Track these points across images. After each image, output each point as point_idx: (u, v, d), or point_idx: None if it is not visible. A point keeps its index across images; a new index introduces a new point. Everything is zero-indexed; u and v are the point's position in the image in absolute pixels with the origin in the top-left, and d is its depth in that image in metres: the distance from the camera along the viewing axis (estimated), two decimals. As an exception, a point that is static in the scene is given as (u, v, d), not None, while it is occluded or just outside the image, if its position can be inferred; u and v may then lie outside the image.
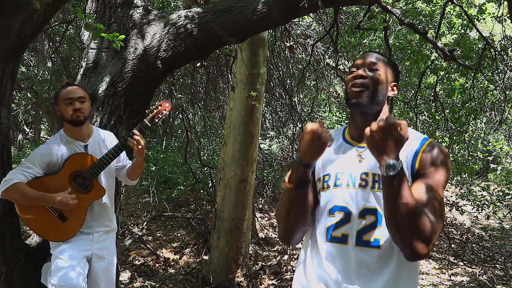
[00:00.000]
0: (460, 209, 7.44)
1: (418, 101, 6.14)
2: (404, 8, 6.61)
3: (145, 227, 6.28)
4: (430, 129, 7.29)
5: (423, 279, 5.44)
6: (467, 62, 5.53)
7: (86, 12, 3.33)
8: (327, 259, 1.49)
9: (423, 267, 5.88)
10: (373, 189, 1.46)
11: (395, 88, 1.60)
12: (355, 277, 1.44)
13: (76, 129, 2.64)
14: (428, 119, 7.09)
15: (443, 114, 5.78)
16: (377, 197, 1.45)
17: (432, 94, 5.73)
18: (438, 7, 6.22)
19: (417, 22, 6.36)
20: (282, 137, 9.07)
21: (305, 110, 8.60)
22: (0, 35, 2.41)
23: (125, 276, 5.03)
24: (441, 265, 5.97)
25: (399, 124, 1.32)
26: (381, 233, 1.43)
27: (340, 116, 11.71)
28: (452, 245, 5.87)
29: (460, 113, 6.67)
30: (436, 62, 6.02)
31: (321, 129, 1.45)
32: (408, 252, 1.34)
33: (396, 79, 1.62)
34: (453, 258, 6.27)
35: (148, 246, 5.78)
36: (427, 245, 1.31)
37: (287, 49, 6.36)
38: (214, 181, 6.14)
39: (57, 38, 9.52)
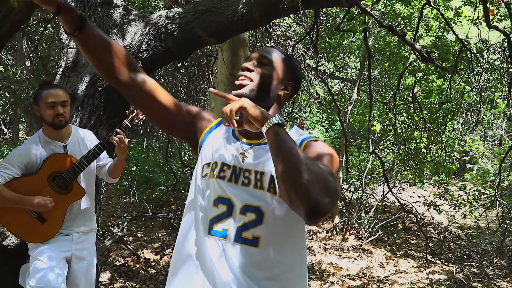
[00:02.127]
0: (437, 208, 7.58)
1: (397, 102, 6.23)
2: (383, 10, 6.70)
3: (126, 227, 6.23)
4: (409, 129, 7.40)
5: (401, 277, 5.53)
6: (444, 64, 5.64)
7: (66, 11, 3.30)
8: (209, 253, 1.41)
9: (401, 266, 5.98)
10: (256, 187, 1.41)
11: (289, 87, 1.53)
12: (237, 275, 1.37)
13: (56, 130, 2.62)
14: (406, 119, 7.19)
15: (421, 115, 5.89)
16: (259, 195, 1.40)
17: (411, 95, 5.82)
18: (416, 9, 6.33)
19: (396, 24, 6.46)
20: (263, 137, 9.08)
21: (285, 110, 8.66)
22: (-23, 34, 2.38)
23: (105, 276, 4.99)
24: (419, 264, 6.07)
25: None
26: (261, 232, 1.38)
27: (321, 116, 11.81)
28: (430, 244, 5.97)
29: (438, 114, 6.80)
30: (414, 63, 6.13)
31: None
32: (309, 206, 1.20)
33: (293, 79, 1.54)
34: (430, 256, 6.39)
35: (129, 246, 5.74)
36: (325, 197, 1.20)
37: (268, 50, 6.40)
38: (195, 181, 6.12)
39: (35, 37, 9.38)
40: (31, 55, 9.84)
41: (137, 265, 5.45)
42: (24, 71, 10.82)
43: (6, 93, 10.03)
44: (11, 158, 2.56)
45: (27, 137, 14.45)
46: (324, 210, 1.20)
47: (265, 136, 1.31)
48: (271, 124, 1.29)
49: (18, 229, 2.60)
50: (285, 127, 1.31)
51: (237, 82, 1.49)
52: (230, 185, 1.43)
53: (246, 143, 1.51)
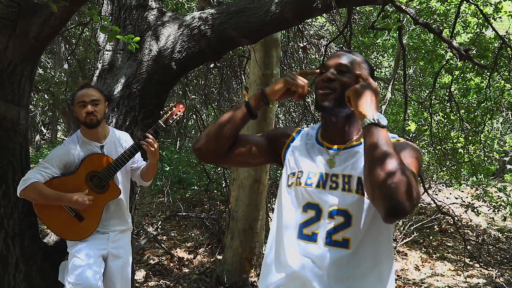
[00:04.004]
0: (475, 210, 7.36)
1: (432, 101, 6.08)
2: (418, 7, 6.56)
3: (160, 226, 6.33)
4: (445, 129, 7.21)
5: (438, 280, 5.40)
6: (482, 61, 5.46)
7: (102, 14, 3.38)
8: (300, 256, 1.46)
9: (438, 269, 5.84)
10: (344, 190, 1.45)
11: None
12: (327, 277, 1.41)
13: (91, 130, 2.68)
14: (442, 119, 7.01)
15: (458, 114, 5.72)
16: (346, 198, 1.44)
17: (447, 94, 5.67)
18: (453, 6, 6.17)
19: (432, 21, 6.31)
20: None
21: (318, 110, 8.58)
22: (19, 38, 2.46)
23: (140, 275, 5.08)
24: (456, 267, 5.91)
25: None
26: (350, 234, 1.42)
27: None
28: (468, 247, 5.80)
29: (476, 113, 6.59)
30: (451, 61, 5.96)
31: (306, 91, 1.56)
32: (390, 206, 1.23)
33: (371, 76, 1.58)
34: (468, 259, 6.21)
35: (163, 245, 5.82)
36: (407, 199, 1.22)
37: (300, 49, 6.37)
38: (228, 181, 6.16)
39: (73, 40, 9.65)
40: (68, 58, 10.13)
41: (171, 264, 5.52)
42: (62, 74, 11.14)
43: (45, 95, 10.34)
44: (50, 158, 2.63)
45: (65, 138, 14.88)
46: (404, 212, 1.23)
47: (362, 129, 1.37)
48: (372, 121, 1.34)
49: (57, 226, 2.67)
50: (386, 126, 1.35)
51: (321, 92, 1.52)
52: (318, 191, 1.48)
53: (332, 148, 1.55)
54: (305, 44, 5.84)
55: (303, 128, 1.71)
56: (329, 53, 6.66)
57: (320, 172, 1.51)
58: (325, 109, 1.51)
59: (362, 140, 1.49)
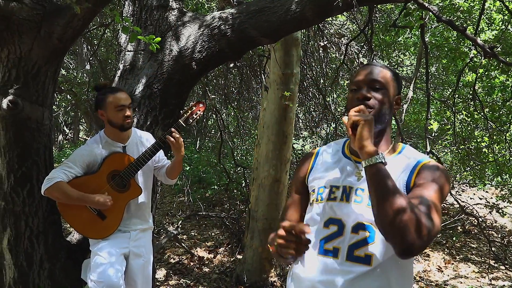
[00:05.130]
0: (500, 211, 7.20)
1: (456, 100, 5.98)
2: (441, 4, 6.45)
3: (180, 226, 6.37)
4: (469, 128, 7.08)
5: (461, 282, 5.30)
6: (508, 58, 5.35)
7: (123, 15, 3.41)
8: (319, 271, 1.44)
9: (461, 271, 5.73)
10: (369, 206, 1.41)
11: (399, 101, 1.56)
12: None
13: (120, 132, 2.71)
14: (466, 118, 6.88)
15: (482, 113, 5.60)
16: (372, 213, 1.37)
17: (471, 92, 5.57)
18: (477, 2, 6.05)
19: (455, 18, 6.20)
20: (315, 137, 9.02)
21: (338, 110, 8.53)
22: (43, 40, 2.50)
23: (160, 274, 5.12)
24: (480, 269, 5.80)
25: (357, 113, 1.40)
26: (373, 250, 1.39)
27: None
28: (493, 248, 5.68)
29: (501, 112, 6.45)
30: (475, 59, 5.85)
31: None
32: (401, 248, 1.25)
33: (399, 91, 1.57)
34: (493, 261, 6.08)
35: (183, 244, 5.86)
36: (418, 238, 1.22)
37: (320, 48, 6.32)
38: (248, 181, 6.16)
39: (95, 41, 9.79)
40: (90, 58, 10.28)
41: (191, 263, 5.55)
42: (84, 74, 11.31)
43: (68, 96, 10.51)
44: (74, 157, 2.67)
45: (86, 138, 15.11)
46: (416, 251, 1.24)
47: (363, 169, 1.35)
48: (372, 162, 1.32)
49: (80, 225, 2.71)
50: (385, 165, 1.33)
51: (356, 109, 1.45)
52: (342, 204, 1.47)
53: (359, 162, 1.52)
54: (325, 43, 5.80)
55: (321, 146, 1.71)
56: (350, 52, 6.60)
57: (343, 186, 1.49)
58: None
59: (392, 154, 1.52)
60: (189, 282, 4.95)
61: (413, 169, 1.46)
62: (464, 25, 4.93)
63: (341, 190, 1.49)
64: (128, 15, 3.38)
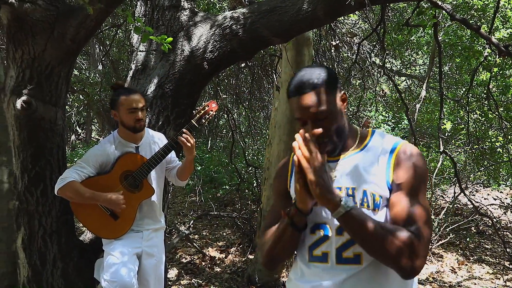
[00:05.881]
0: (515, 211, 7.11)
1: (469, 99, 5.91)
2: (454, 2, 6.39)
3: (192, 225, 6.38)
4: (483, 128, 7.00)
5: (475, 284, 5.24)
6: (523, 57, 5.27)
7: (136, 15, 3.42)
8: (310, 279, 1.43)
9: (475, 272, 5.67)
10: None
11: (344, 97, 1.46)
12: None
13: (133, 133, 2.72)
14: (480, 117, 6.81)
15: (496, 112, 5.54)
16: None
17: (485, 91, 5.50)
18: (491, 0, 5.98)
19: (469, 17, 6.13)
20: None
21: (350, 109, 8.48)
22: (56, 40, 2.52)
23: (172, 273, 5.13)
24: (495, 270, 5.72)
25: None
26: (361, 249, 1.36)
27: (386, 115, 11.48)
28: (507, 249, 5.60)
29: (516, 111, 6.37)
30: (489, 58, 5.78)
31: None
32: (401, 274, 1.29)
33: (338, 88, 1.45)
34: (508, 262, 6.00)
35: (195, 244, 5.87)
36: (414, 260, 1.26)
37: (332, 48, 6.30)
38: (259, 181, 6.15)
39: (107, 41, 9.86)
40: (103, 59, 10.35)
41: (203, 263, 5.55)
42: (97, 75, 11.39)
43: (80, 96, 10.60)
44: (87, 157, 2.69)
45: (99, 138, 15.22)
46: (416, 272, 1.28)
47: (338, 219, 1.32)
48: (341, 213, 1.29)
49: (93, 225, 2.72)
50: (354, 208, 1.30)
51: (323, 151, 1.39)
52: (323, 208, 1.41)
53: (330, 161, 1.46)
54: (337, 42, 5.77)
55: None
56: (362, 51, 6.56)
57: None
58: (334, 152, 1.46)
59: (359, 148, 1.47)
60: (201, 281, 4.96)
61: (389, 159, 1.42)
62: (478, 24, 4.87)
63: None
64: (140, 15, 3.40)
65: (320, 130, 1.38)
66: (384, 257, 1.28)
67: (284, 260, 1.56)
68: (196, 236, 6.56)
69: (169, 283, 4.80)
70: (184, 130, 2.71)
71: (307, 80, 1.40)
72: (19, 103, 2.50)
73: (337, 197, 1.29)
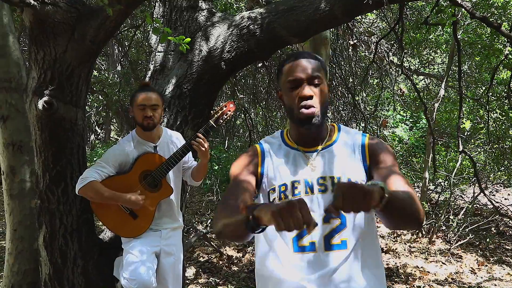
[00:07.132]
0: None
1: (490, 98, 5.82)
2: (474, 0, 6.29)
3: (209, 224, 6.42)
4: (503, 127, 6.88)
5: (496, 285, 5.16)
6: (545, 55, 5.17)
7: (154, 16, 3.46)
8: (299, 270, 1.42)
9: (496, 273, 5.58)
10: (333, 192, 1.31)
11: (331, 86, 1.56)
12: (333, 283, 1.39)
13: (146, 132, 2.75)
14: (500, 116, 6.70)
15: (517, 111, 5.46)
16: None
17: (505, 90, 5.42)
18: (512, -2, 5.88)
19: (489, 15, 6.04)
20: (344, 137, 8.92)
21: (368, 109, 8.42)
22: (77, 42, 2.56)
23: (190, 272, 5.16)
24: (515, 272, 5.63)
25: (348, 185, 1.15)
26: (347, 235, 1.42)
27: (404, 114, 11.37)
28: (528, 251, 5.52)
29: (537, 110, 6.25)
30: (510, 56, 5.69)
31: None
32: (418, 225, 1.33)
33: (327, 75, 1.53)
34: (529, 264, 5.90)
35: (212, 243, 5.90)
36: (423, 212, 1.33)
37: (350, 47, 6.26)
38: (276, 180, 6.14)
39: (125, 42, 9.95)
40: (121, 59, 10.46)
41: (220, 262, 5.58)
42: (116, 75, 11.51)
43: (100, 96, 10.73)
44: (107, 157, 2.72)
45: (117, 138, 15.38)
46: (422, 222, 1.35)
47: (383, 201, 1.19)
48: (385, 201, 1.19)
49: (112, 224, 2.77)
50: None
51: (305, 111, 1.42)
52: (307, 197, 1.42)
53: (310, 151, 1.52)
54: (355, 41, 5.74)
55: (260, 142, 1.61)
56: (379, 50, 6.51)
57: (304, 179, 1.46)
58: (315, 126, 1.45)
59: (332, 141, 1.53)
60: (218, 280, 4.98)
61: (362, 149, 1.51)
62: (499, 21, 4.79)
63: (303, 183, 1.45)
64: (159, 16, 3.43)
65: (311, 92, 1.43)
66: (413, 215, 1.29)
67: (235, 241, 1.55)
68: (214, 235, 6.60)
69: (187, 281, 4.84)
70: (198, 134, 2.72)
71: (307, 52, 1.51)
72: (40, 104, 2.55)
73: (376, 186, 1.18)
